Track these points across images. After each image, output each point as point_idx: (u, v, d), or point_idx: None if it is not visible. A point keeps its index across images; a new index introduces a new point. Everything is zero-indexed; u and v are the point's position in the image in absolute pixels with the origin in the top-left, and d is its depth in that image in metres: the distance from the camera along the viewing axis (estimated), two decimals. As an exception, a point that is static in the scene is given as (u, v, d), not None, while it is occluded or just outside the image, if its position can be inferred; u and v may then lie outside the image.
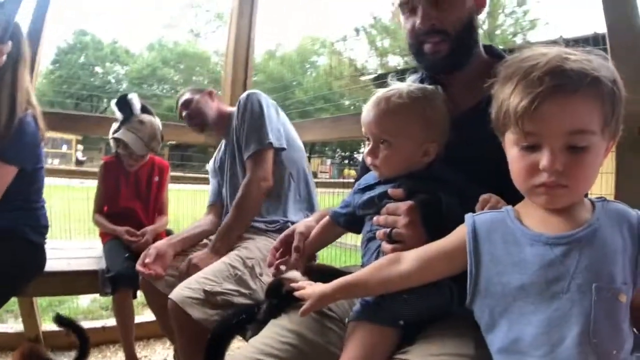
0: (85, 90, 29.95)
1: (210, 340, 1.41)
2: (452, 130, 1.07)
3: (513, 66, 0.77)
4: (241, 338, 1.46)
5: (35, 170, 1.86)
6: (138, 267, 1.82)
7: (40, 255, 1.94)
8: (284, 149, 2.00)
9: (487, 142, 0.84)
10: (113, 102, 2.38)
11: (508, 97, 0.76)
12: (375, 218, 1.01)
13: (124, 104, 2.34)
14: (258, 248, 1.80)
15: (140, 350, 2.63)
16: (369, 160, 1.06)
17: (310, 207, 2.08)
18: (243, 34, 3.18)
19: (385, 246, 0.96)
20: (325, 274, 1.07)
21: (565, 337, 0.69)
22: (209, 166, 2.41)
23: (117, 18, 44.29)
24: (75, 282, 2.11)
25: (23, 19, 2.41)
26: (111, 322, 2.70)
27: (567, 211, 0.76)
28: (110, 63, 32.71)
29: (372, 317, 0.95)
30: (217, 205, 2.21)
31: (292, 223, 1.89)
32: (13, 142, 1.70)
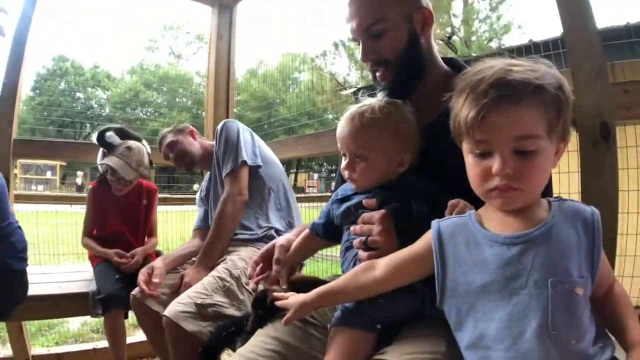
0: (67, 116, 29.71)
1: (201, 354, 1.45)
2: (422, 141, 1.13)
3: (466, 79, 0.83)
4: (231, 352, 1.50)
5: None
6: (141, 284, 1.87)
7: (25, 280, 1.98)
8: (259, 166, 2.15)
9: (451, 151, 0.89)
10: (94, 136, 2.44)
11: (460, 109, 0.82)
12: (352, 228, 1.06)
13: (102, 142, 2.40)
14: (242, 259, 1.90)
15: (132, 371, 2.63)
16: (346, 174, 1.12)
17: (289, 215, 2.21)
18: (223, 55, 3.26)
19: (362, 254, 1.01)
20: (308, 284, 1.11)
21: (525, 330, 0.74)
22: (197, 196, 2.51)
23: (96, 42, 44.28)
24: (65, 305, 2.14)
25: (3, 46, 2.48)
26: (102, 344, 2.72)
27: (523, 212, 0.81)
28: (91, 88, 32.52)
29: (351, 323, 1.00)
30: (202, 230, 2.30)
31: (276, 229, 2.05)
32: None
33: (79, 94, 32.38)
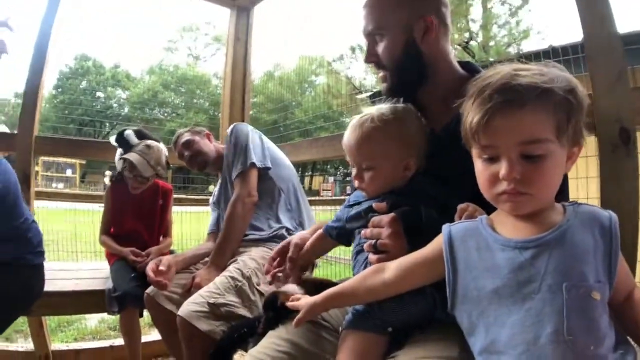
0: (87, 115, 30.14)
1: (213, 355, 1.46)
2: (432, 146, 1.14)
3: (475, 85, 0.83)
4: (244, 353, 1.51)
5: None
6: (149, 272, 1.91)
7: (42, 274, 2.02)
8: (269, 168, 2.18)
9: (463, 155, 0.89)
10: (112, 138, 2.48)
11: (467, 114, 0.83)
12: (362, 231, 1.07)
13: (122, 141, 2.44)
14: (253, 259, 1.91)
15: (148, 369, 2.66)
16: (356, 183, 1.14)
17: (300, 215, 2.24)
18: (239, 57, 3.28)
19: (372, 257, 1.01)
20: (320, 285, 1.13)
21: (540, 335, 0.73)
22: (210, 200, 2.56)
23: (118, 42, 44.91)
24: (83, 301, 2.18)
25: (27, 45, 2.53)
26: (119, 341, 2.74)
27: (536, 216, 0.80)
28: (111, 88, 32.93)
29: (362, 325, 1.00)
30: (215, 234, 2.32)
31: (287, 228, 2.09)
32: None
33: (99, 93, 32.80)
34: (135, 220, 2.46)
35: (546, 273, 0.74)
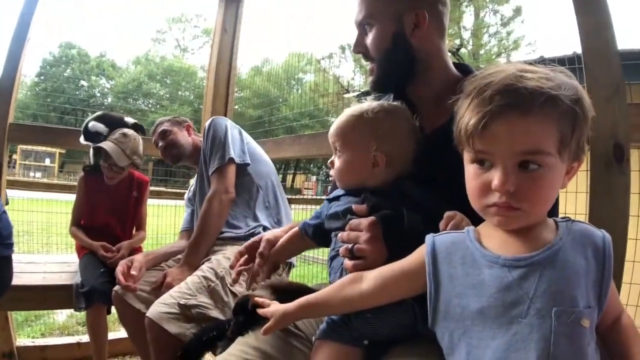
0: (69, 103, 29.61)
1: (180, 357, 1.40)
2: (423, 148, 1.08)
3: (474, 83, 0.76)
4: (213, 355, 1.46)
5: None
6: (119, 275, 1.83)
7: (10, 266, 1.94)
8: (247, 164, 2.10)
9: (454, 160, 0.83)
10: (82, 138, 2.39)
11: (462, 114, 0.76)
12: (339, 235, 1.01)
13: (92, 135, 2.35)
14: (228, 258, 1.83)
15: (114, 367, 2.57)
16: (330, 170, 1.12)
17: (278, 213, 2.17)
18: (226, 49, 3.22)
19: (347, 263, 0.95)
20: (293, 291, 1.06)
21: None
22: (185, 196, 2.49)
23: (105, 30, 44.29)
24: (50, 296, 2.10)
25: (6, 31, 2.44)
26: (87, 338, 2.64)
27: (527, 232, 0.74)
28: (95, 77, 32.44)
29: (337, 337, 0.94)
30: (189, 231, 2.25)
31: (264, 226, 2.02)
32: None
33: (82, 82, 32.27)
34: (107, 212, 2.39)
35: (535, 296, 0.69)
